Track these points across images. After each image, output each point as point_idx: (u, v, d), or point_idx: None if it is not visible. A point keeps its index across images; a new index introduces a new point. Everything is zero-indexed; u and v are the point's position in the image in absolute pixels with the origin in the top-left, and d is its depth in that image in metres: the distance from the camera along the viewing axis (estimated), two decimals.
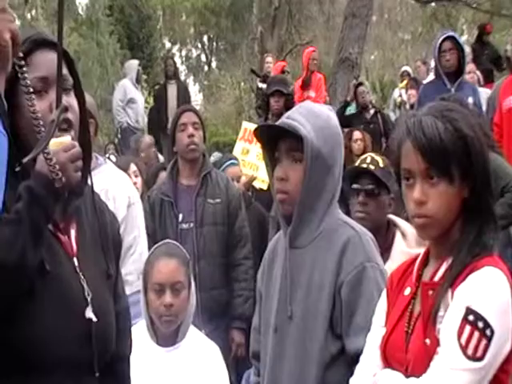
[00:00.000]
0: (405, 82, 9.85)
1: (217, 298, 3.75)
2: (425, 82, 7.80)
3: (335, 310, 2.10)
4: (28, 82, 1.35)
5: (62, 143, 1.47)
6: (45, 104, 1.50)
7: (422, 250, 2.73)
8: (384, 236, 2.86)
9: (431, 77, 8.90)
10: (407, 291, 1.68)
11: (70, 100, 1.58)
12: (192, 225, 3.74)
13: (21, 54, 1.29)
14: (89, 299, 1.57)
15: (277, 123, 2.20)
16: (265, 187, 5.33)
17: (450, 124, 1.57)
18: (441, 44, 5.47)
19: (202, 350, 2.80)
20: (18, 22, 1.28)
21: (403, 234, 2.88)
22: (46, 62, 1.52)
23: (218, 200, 3.79)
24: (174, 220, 3.76)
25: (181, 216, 3.75)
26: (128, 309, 1.84)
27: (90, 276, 1.60)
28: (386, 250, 2.71)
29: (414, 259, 1.73)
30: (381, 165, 2.91)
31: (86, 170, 1.61)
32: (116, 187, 3.25)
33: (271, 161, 2.25)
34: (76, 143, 1.51)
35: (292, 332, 2.15)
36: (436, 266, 1.63)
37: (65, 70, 1.57)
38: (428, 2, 15.77)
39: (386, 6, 22.36)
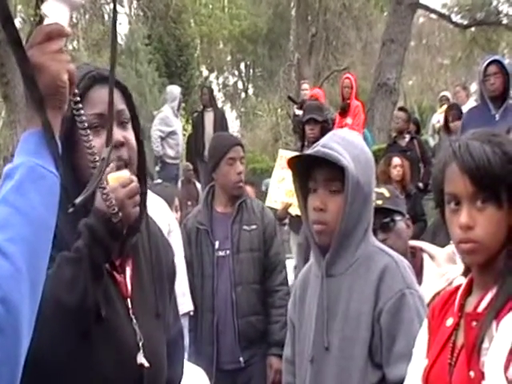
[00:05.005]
0: (444, 107, 9.76)
1: (254, 324, 3.74)
2: (465, 107, 7.69)
3: (374, 339, 2.05)
4: (84, 118, 1.31)
5: (119, 178, 1.44)
6: (102, 140, 1.43)
7: (452, 267, 2.66)
8: (411, 263, 2.82)
9: (471, 102, 8.80)
10: (449, 322, 1.62)
11: (127, 134, 1.56)
12: (228, 252, 3.72)
13: (76, 91, 1.27)
14: (140, 344, 1.53)
15: (313, 152, 2.13)
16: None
17: (498, 148, 1.51)
18: (485, 68, 5.37)
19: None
20: None
21: (431, 256, 2.84)
22: (101, 98, 1.47)
23: (254, 226, 3.76)
24: (210, 248, 3.74)
25: (217, 243, 3.73)
26: (180, 332, 1.81)
27: (142, 317, 1.56)
28: (416, 276, 2.68)
29: (456, 289, 1.67)
30: (387, 195, 2.92)
31: (143, 205, 1.56)
32: (155, 214, 3.24)
33: (302, 189, 2.20)
34: (134, 178, 1.48)
35: (330, 362, 2.10)
36: (480, 296, 1.56)
37: (122, 106, 1.55)
38: (468, 27, 15.66)
39: (424, 31, 22.32)
